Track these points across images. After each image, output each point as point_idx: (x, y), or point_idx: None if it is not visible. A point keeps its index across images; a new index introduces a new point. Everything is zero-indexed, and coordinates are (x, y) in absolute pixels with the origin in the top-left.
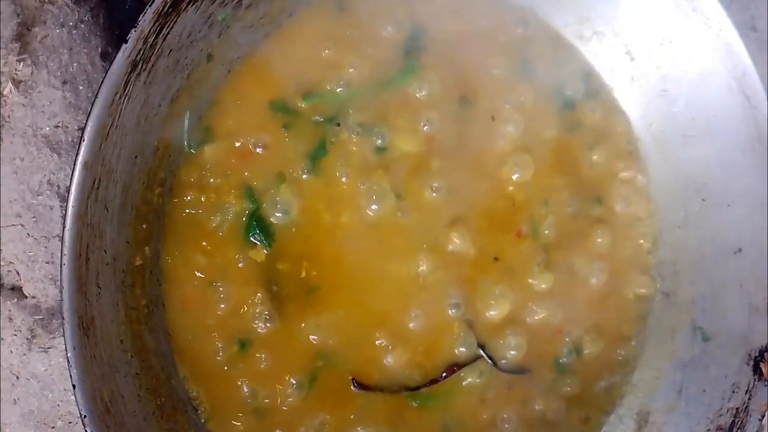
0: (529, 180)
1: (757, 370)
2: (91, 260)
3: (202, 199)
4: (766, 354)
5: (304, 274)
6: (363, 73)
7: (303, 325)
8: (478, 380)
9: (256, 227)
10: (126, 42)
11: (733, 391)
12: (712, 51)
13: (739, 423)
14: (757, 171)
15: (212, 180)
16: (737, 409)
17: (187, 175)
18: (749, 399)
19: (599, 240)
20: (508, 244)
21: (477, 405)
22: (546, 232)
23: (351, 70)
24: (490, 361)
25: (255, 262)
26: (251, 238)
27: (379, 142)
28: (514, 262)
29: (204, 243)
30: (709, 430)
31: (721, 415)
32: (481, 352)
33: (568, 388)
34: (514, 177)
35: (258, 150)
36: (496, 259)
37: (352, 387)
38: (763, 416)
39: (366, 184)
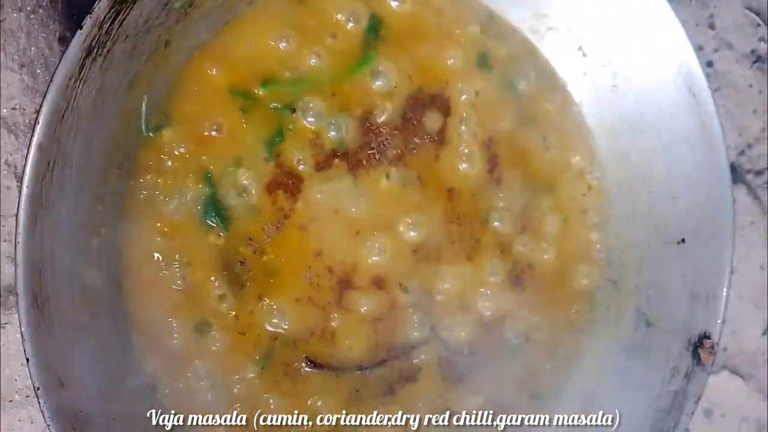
0: (481, 171)
1: (695, 355)
2: (46, 239)
3: (160, 182)
4: (704, 340)
5: (260, 257)
6: (321, 62)
7: (260, 306)
8: (428, 361)
9: (213, 211)
10: (81, 27)
11: (673, 375)
12: (660, 49)
13: (678, 405)
14: (701, 165)
15: (170, 164)
16: (676, 392)
17: (145, 159)
18: (687, 382)
19: (549, 229)
20: (460, 233)
21: (428, 385)
22: (496, 223)
23: (310, 60)
24: (441, 342)
25: (212, 245)
26: (208, 222)
27: (335, 131)
28: (465, 248)
29: (161, 225)
30: (649, 411)
31: (661, 398)
32: (431, 333)
33: (517, 371)
34: (466, 167)
35: (215, 134)
36: (450, 244)
37: (305, 366)
38: (699, 398)
39: (322, 171)
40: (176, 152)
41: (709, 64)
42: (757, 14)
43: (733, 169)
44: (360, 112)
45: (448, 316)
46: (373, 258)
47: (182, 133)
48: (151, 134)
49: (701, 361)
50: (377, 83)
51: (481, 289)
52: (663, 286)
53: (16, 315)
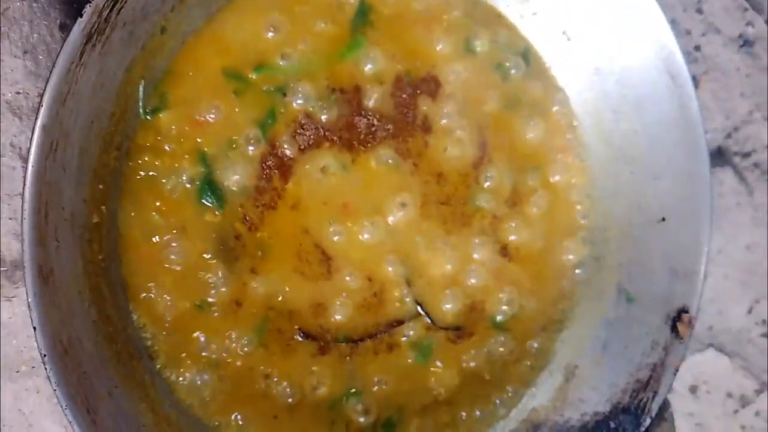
0: (467, 153)
1: (674, 329)
2: (50, 216)
3: (157, 163)
4: (683, 314)
5: (254, 234)
6: (312, 47)
7: (254, 283)
8: (416, 336)
9: (209, 190)
10: (81, 15)
11: (652, 348)
12: (641, 33)
13: (656, 377)
14: (681, 147)
15: (167, 145)
16: (655, 364)
17: (143, 140)
18: (666, 355)
19: (535, 208)
20: (449, 212)
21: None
22: (484, 203)
23: (300, 44)
24: (428, 318)
25: (208, 223)
26: (204, 201)
27: (325, 114)
28: (453, 227)
29: (159, 204)
30: (629, 382)
31: (640, 370)
32: (419, 309)
33: (502, 348)
34: (453, 149)
35: (210, 117)
36: (439, 223)
37: (297, 337)
38: (676, 371)
39: (313, 152)
40: (173, 134)
41: (697, 48)
42: None
43: (720, 151)
44: (350, 96)
45: (436, 292)
46: (363, 235)
47: (178, 116)
48: (148, 117)
49: (679, 335)
50: (367, 67)
51: (468, 266)
52: (644, 263)
53: (23, 289)
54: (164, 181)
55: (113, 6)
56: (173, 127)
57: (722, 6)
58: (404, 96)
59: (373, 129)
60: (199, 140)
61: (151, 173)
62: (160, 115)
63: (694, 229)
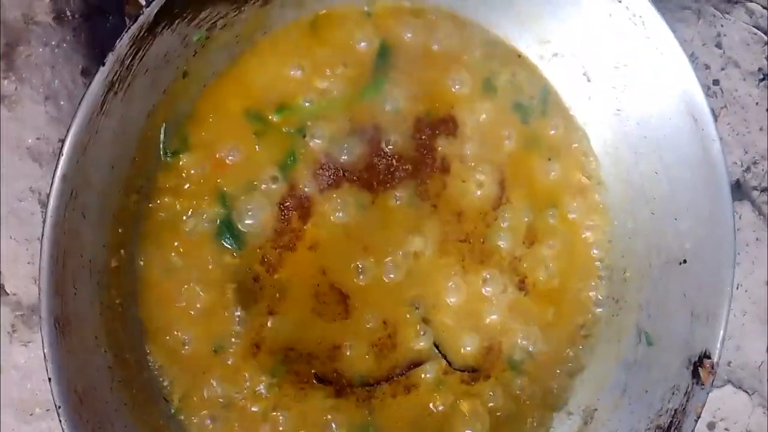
0: (486, 192)
1: (695, 374)
2: (68, 264)
3: (177, 205)
4: (704, 360)
5: (273, 276)
6: (333, 88)
7: (269, 324)
8: (433, 377)
9: (227, 232)
10: (103, 64)
11: (673, 393)
12: (662, 74)
13: (677, 423)
14: (702, 188)
15: (187, 186)
16: (676, 410)
17: (164, 182)
18: (687, 401)
19: (552, 248)
20: (466, 250)
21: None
22: (502, 242)
23: (322, 86)
24: (445, 359)
25: (227, 265)
26: (223, 242)
27: (345, 155)
28: (470, 266)
29: (177, 244)
30: (649, 428)
31: (661, 415)
32: (436, 350)
33: (518, 390)
34: (472, 188)
35: (231, 158)
36: (457, 261)
37: (314, 381)
38: (698, 417)
39: (333, 193)
40: (193, 175)
41: (716, 82)
42: (765, 33)
43: (738, 185)
44: (369, 136)
45: (454, 333)
46: (382, 275)
47: (199, 158)
48: (169, 159)
49: (701, 380)
50: (387, 107)
51: (486, 304)
52: (664, 305)
53: (39, 333)
54: (184, 222)
55: (135, 54)
56: (194, 168)
57: (741, 40)
58: (423, 137)
59: (393, 169)
60: (219, 181)
61: (170, 214)
62: (181, 157)
63: (716, 272)
